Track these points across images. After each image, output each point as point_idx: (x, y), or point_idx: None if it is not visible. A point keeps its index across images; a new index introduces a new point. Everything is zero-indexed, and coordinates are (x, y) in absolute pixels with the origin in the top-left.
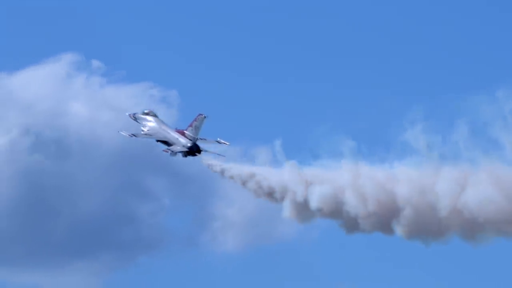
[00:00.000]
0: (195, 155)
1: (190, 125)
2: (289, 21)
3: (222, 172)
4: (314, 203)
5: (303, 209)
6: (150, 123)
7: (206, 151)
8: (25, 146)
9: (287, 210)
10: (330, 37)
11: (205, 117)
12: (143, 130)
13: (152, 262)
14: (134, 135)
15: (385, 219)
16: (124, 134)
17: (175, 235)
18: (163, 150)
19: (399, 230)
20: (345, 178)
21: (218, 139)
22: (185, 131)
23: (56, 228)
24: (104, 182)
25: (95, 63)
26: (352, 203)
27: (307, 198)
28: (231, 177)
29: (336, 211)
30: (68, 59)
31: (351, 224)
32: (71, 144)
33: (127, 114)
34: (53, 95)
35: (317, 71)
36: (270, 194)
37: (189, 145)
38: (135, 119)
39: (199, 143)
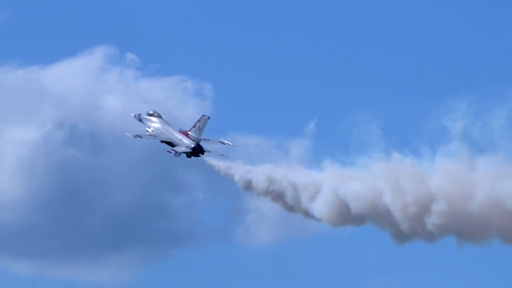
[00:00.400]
0: (198, 155)
1: (194, 126)
2: (324, 17)
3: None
4: (350, 204)
5: (338, 212)
6: (155, 124)
7: (209, 152)
8: (59, 139)
9: (320, 212)
10: (369, 23)
11: (208, 118)
12: (147, 131)
13: (185, 256)
14: (139, 136)
15: (420, 215)
16: (129, 135)
17: (209, 228)
18: (167, 151)
19: (431, 224)
20: (381, 174)
21: (222, 139)
22: (188, 132)
23: (90, 222)
24: (138, 176)
25: (130, 56)
26: (388, 199)
27: (341, 198)
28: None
29: (372, 212)
30: (102, 52)
31: (390, 226)
32: (105, 137)
33: (132, 115)
34: (87, 88)
35: (355, 59)
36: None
37: (192, 146)
38: (140, 120)
39: (203, 143)
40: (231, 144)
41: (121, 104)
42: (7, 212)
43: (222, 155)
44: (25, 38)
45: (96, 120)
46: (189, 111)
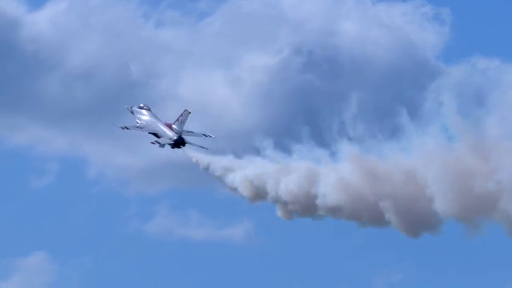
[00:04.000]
0: (180, 147)
1: (177, 120)
2: None
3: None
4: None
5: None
6: (144, 116)
7: (191, 143)
8: (297, 65)
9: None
10: None
11: (189, 112)
12: (137, 122)
13: None
14: (127, 128)
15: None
16: (117, 126)
17: None
18: (151, 142)
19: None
20: None
21: (205, 132)
22: (172, 125)
23: None
24: (376, 101)
25: None
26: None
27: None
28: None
29: None
30: None
31: None
32: (342, 62)
33: (125, 106)
34: (325, 13)
35: None
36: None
37: (175, 138)
38: (132, 112)
39: (186, 136)
40: (212, 136)
41: (358, 29)
42: (243, 139)
43: (203, 147)
44: None
45: (333, 46)
46: (427, 36)
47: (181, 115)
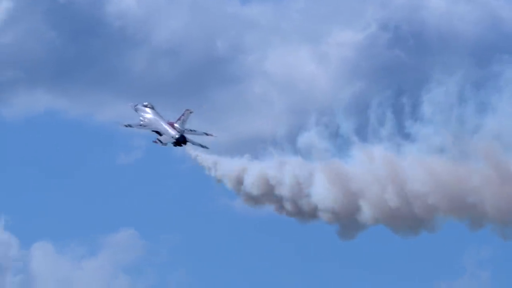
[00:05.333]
0: (181, 145)
1: (179, 119)
2: None
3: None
4: None
5: None
6: (148, 114)
7: (192, 142)
8: (383, 41)
9: None
10: None
11: (191, 112)
12: (141, 120)
13: None
14: (130, 126)
15: None
16: (120, 124)
17: None
18: (153, 141)
19: None
20: None
21: (206, 131)
22: (175, 124)
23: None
24: (463, 77)
25: None
26: None
27: None
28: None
29: None
30: None
31: None
32: (429, 38)
33: (129, 104)
34: None
35: None
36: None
37: (177, 136)
38: (136, 110)
39: (187, 134)
40: (214, 135)
41: (445, 4)
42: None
43: (203, 146)
44: None
45: (420, 21)
46: None
47: (183, 114)
